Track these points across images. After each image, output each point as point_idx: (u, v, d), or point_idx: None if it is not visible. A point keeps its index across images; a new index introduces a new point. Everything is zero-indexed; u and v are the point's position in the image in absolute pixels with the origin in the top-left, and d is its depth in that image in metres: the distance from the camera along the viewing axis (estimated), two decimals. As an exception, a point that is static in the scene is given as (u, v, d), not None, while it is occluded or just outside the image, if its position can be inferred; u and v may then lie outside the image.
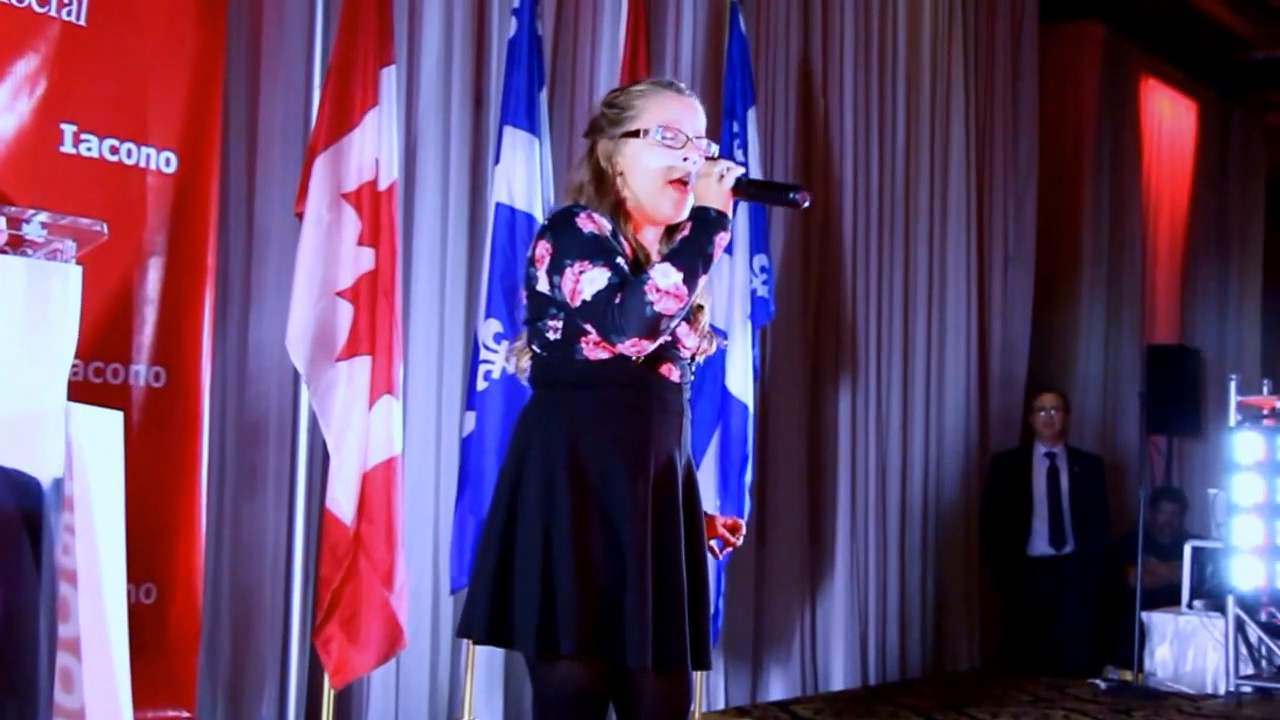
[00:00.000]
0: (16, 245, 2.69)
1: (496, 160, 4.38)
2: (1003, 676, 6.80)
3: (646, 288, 2.49)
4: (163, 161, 3.63)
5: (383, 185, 3.99)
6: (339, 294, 3.94)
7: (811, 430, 6.27)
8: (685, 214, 2.65)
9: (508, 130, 4.35)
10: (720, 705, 5.69)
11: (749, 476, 5.04)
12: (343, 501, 3.92)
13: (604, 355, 2.59)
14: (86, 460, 2.71)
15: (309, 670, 4.20)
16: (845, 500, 6.40)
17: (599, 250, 2.55)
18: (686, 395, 2.74)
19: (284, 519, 4.24)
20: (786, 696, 6.01)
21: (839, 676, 6.32)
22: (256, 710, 4.19)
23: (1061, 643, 6.94)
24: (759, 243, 5.23)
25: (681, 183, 2.66)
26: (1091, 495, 7.10)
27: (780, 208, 5.33)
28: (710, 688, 5.59)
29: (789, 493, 6.07)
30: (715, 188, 2.59)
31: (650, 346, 2.55)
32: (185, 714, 3.59)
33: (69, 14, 3.45)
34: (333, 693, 4.00)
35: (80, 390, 3.17)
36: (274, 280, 4.21)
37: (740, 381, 5.02)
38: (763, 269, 5.26)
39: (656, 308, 2.48)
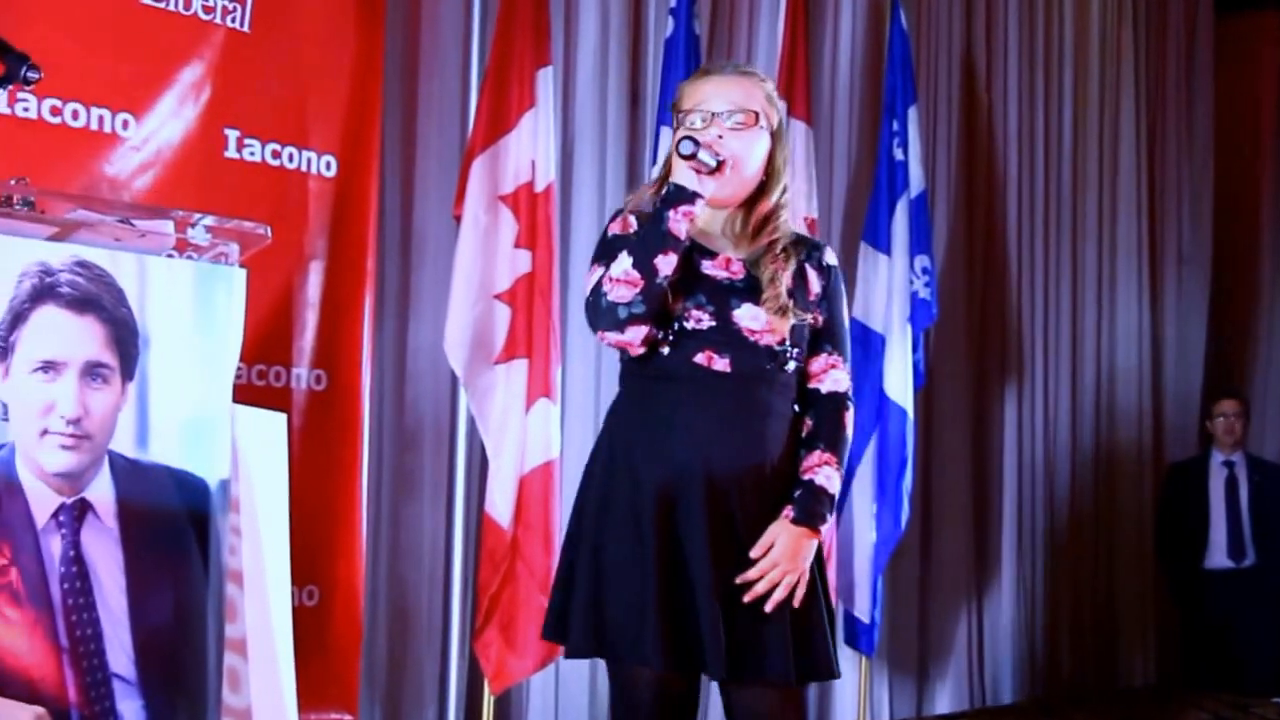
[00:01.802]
0: (183, 249, 2.71)
1: (653, 160, 4.34)
2: (1179, 693, 6.57)
3: (603, 279, 2.54)
4: (323, 165, 3.65)
5: (540, 187, 3.97)
6: (496, 296, 3.93)
7: (976, 436, 6.12)
8: (726, 192, 2.61)
9: (665, 130, 4.30)
10: (885, 718, 5.58)
11: (908, 482, 4.93)
12: (500, 506, 3.90)
13: (642, 351, 2.61)
14: (252, 462, 2.72)
15: (468, 675, 4.20)
16: (1011, 508, 6.24)
17: (606, 250, 2.61)
18: (770, 385, 2.60)
19: (441, 523, 4.24)
20: (953, 710, 5.88)
21: (1007, 690, 6.16)
22: (416, 714, 4.19)
23: (1243, 659, 6.67)
24: (921, 243, 5.11)
25: (715, 162, 2.58)
26: (1273, 506, 6.82)
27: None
28: (874, 700, 5.48)
29: (953, 500, 5.93)
30: (675, 159, 2.56)
31: (627, 337, 2.55)
32: (347, 717, 3.60)
33: (233, 21, 3.48)
34: (492, 698, 3.98)
35: (244, 393, 3.19)
36: (431, 283, 4.22)
37: (899, 386, 4.91)
38: (924, 270, 5.15)
39: (610, 297, 2.52)
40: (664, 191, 2.56)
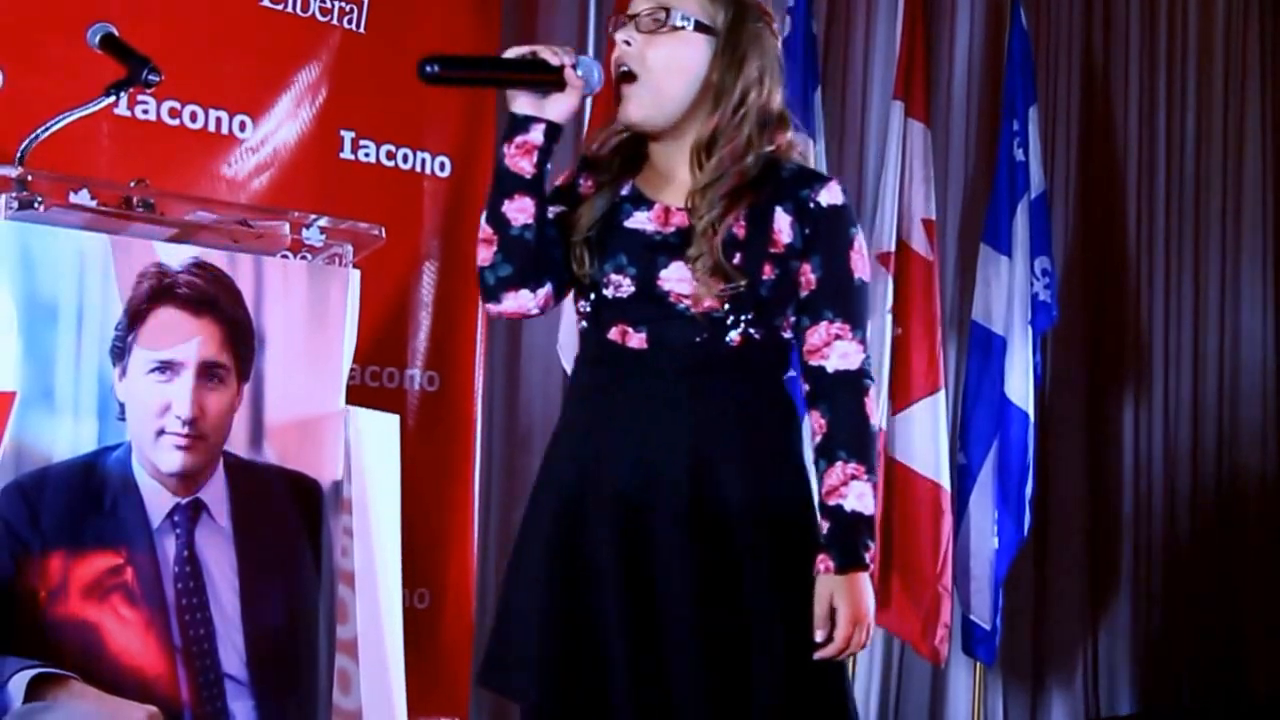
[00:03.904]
0: (297, 249, 2.73)
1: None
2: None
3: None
4: (437, 166, 3.66)
5: (655, 188, 3.94)
6: (609, 298, 3.90)
7: (1093, 441, 6.00)
8: (635, 112, 2.14)
9: (780, 130, 4.25)
10: (998, 727, 5.50)
11: (1029, 489, 4.83)
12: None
13: (536, 315, 2.23)
14: (365, 463, 2.73)
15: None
16: (1130, 515, 6.11)
17: None
18: (710, 364, 2.09)
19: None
20: (1069, 720, 5.78)
21: (1125, 700, 6.03)
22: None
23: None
24: (1041, 245, 5.01)
25: (620, 74, 2.13)
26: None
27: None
28: (989, 708, 5.39)
29: (1069, 506, 5.83)
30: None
31: (505, 306, 2.16)
32: (457, 720, 3.60)
33: (349, 23, 3.50)
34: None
35: (357, 394, 3.19)
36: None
37: (1020, 389, 4.82)
38: (1045, 272, 5.04)
39: (477, 261, 2.16)
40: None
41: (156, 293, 2.53)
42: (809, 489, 2.16)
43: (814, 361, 2.14)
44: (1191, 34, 6.49)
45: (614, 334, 2.12)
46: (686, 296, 2.08)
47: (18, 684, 2.29)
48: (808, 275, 2.14)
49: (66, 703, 2.32)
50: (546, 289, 2.16)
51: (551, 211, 2.16)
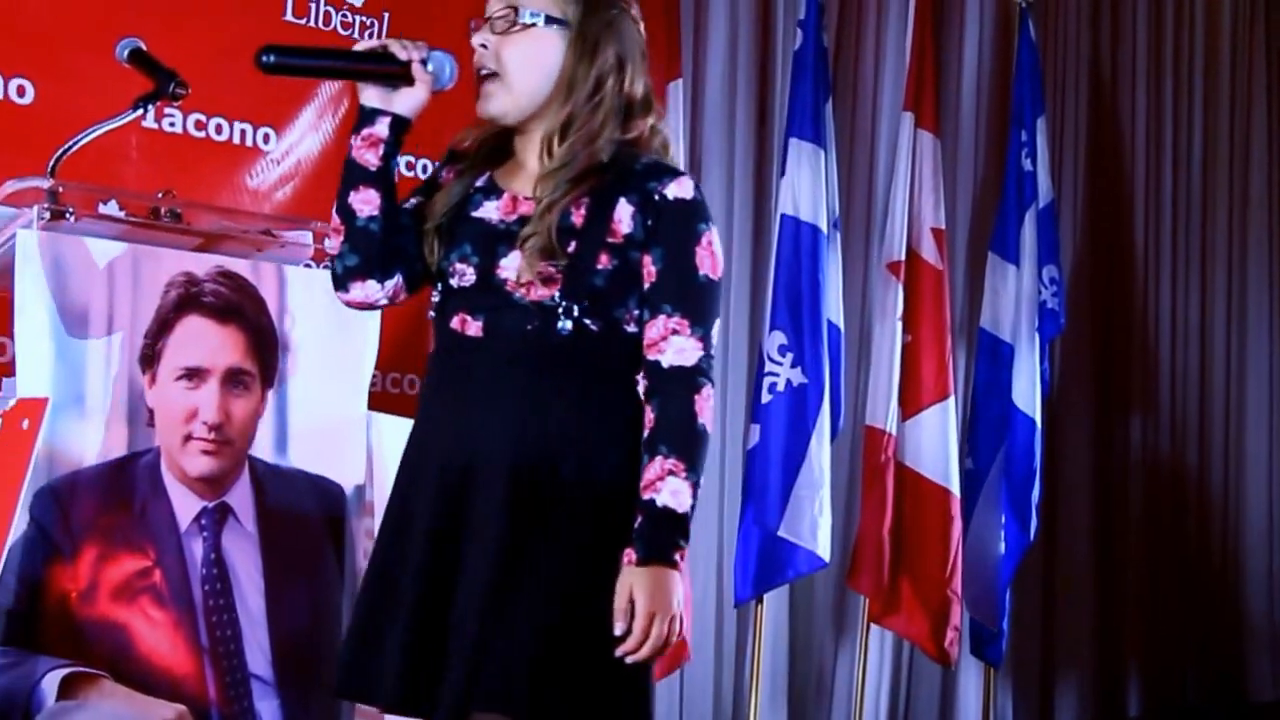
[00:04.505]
0: (321, 259, 2.78)
1: (781, 173, 4.34)
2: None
3: None
4: (456, 177, 3.71)
5: (669, 198, 3.99)
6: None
7: (1099, 448, 6.03)
8: (493, 107, 2.13)
9: (793, 142, 4.30)
10: (1007, 730, 5.53)
11: (1036, 494, 4.87)
12: (629, 513, 3.92)
13: (384, 305, 2.26)
14: (386, 467, 2.77)
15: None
16: (1136, 520, 6.13)
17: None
18: (540, 354, 2.05)
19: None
20: (1077, 723, 5.81)
21: (1132, 703, 6.06)
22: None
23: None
24: (1048, 254, 5.06)
25: (480, 74, 2.13)
26: None
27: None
28: (999, 710, 5.43)
29: (1076, 512, 5.86)
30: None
31: (352, 295, 2.17)
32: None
33: (370, 36, 3.55)
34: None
35: (379, 400, 3.25)
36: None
37: (1027, 395, 4.85)
38: (1052, 280, 5.10)
39: (326, 248, 2.19)
40: None
41: (183, 301, 2.58)
42: (635, 484, 2.06)
43: (650, 356, 2.08)
44: (1199, 46, 6.53)
45: (455, 323, 2.11)
46: (522, 285, 2.06)
47: (50, 683, 2.34)
48: (649, 268, 2.09)
49: (98, 701, 2.38)
50: (395, 280, 2.17)
51: (413, 202, 2.19)
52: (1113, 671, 6.06)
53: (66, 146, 2.48)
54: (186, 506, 2.57)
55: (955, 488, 4.53)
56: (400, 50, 2.09)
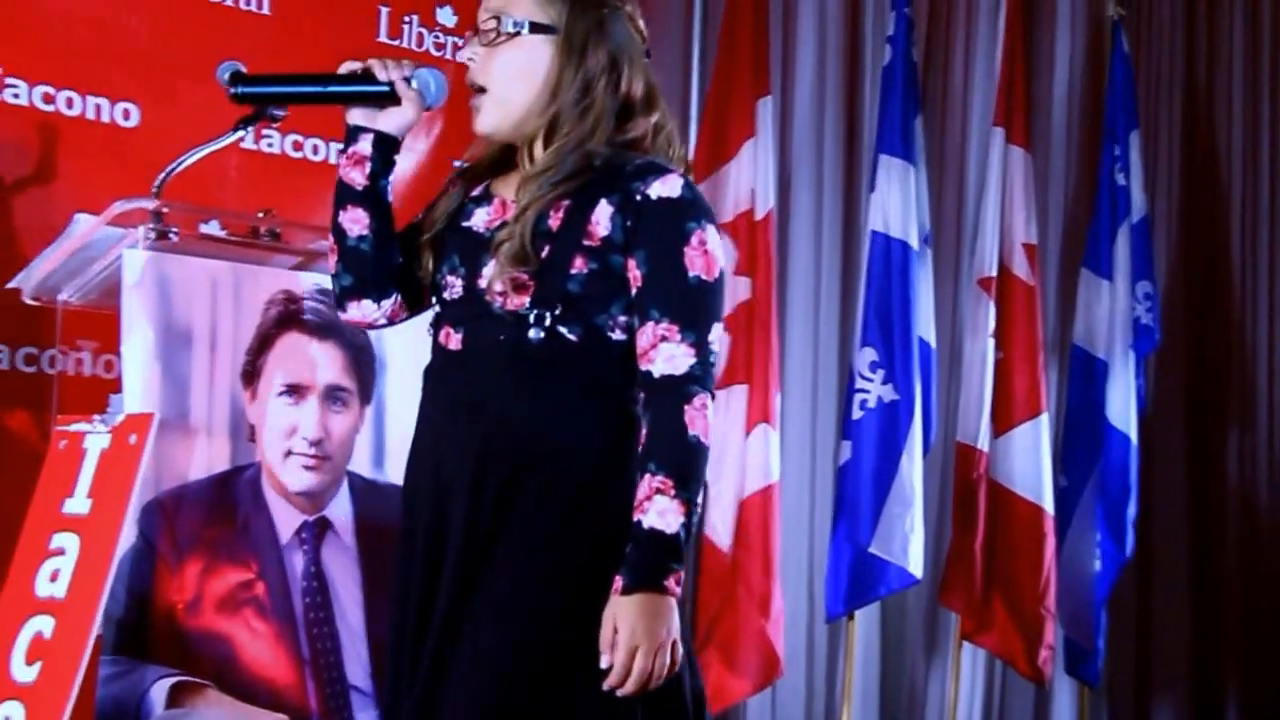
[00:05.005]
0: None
1: (871, 188, 4.34)
2: None
3: None
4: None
5: (759, 215, 4.02)
6: (716, 323, 3.98)
7: (1194, 464, 5.94)
8: (483, 123, 2.06)
9: (883, 158, 4.30)
10: (1103, 749, 5.47)
11: (1132, 511, 4.82)
12: (720, 529, 3.95)
13: (386, 326, 2.21)
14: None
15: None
16: (1235, 537, 6.03)
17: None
18: (511, 364, 1.95)
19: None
20: (1174, 744, 5.72)
21: (1231, 724, 5.97)
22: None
23: None
24: (1143, 269, 5.02)
25: (469, 90, 2.08)
26: None
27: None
28: (1094, 730, 5.38)
29: (1173, 529, 5.76)
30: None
31: (350, 315, 2.13)
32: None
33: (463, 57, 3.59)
34: (710, 717, 4.01)
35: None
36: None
37: (1122, 412, 4.82)
38: (1146, 295, 5.05)
39: (329, 268, 2.14)
40: None
41: (284, 319, 2.63)
42: (626, 502, 1.91)
43: (642, 366, 1.94)
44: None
45: (441, 336, 2.04)
46: (500, 294, 1.96)
47: (159, 691, 2.39)
48: (634, 272, 1.96)
49: (204, 710, 2.42)
50: (393, 299, 2.11)
51: (418, 219, 2.14)
52: (1211, 690, 5.96)
53: (170, 168, 2.52)
54: (287, 520, 2.61)
55: (1048, 505, 4.49)
56: (381, 70, 2.06)
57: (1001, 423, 4.48)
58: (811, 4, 4.68)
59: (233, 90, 2.03)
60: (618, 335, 1.97)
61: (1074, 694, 5.00)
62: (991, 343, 4.44)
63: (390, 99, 2.05)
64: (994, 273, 4.47)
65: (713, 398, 1.95)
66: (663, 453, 1.89)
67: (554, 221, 1.96)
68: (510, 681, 1.89)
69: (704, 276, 1.96)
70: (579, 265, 1.94)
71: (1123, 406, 4.81)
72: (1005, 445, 4.49)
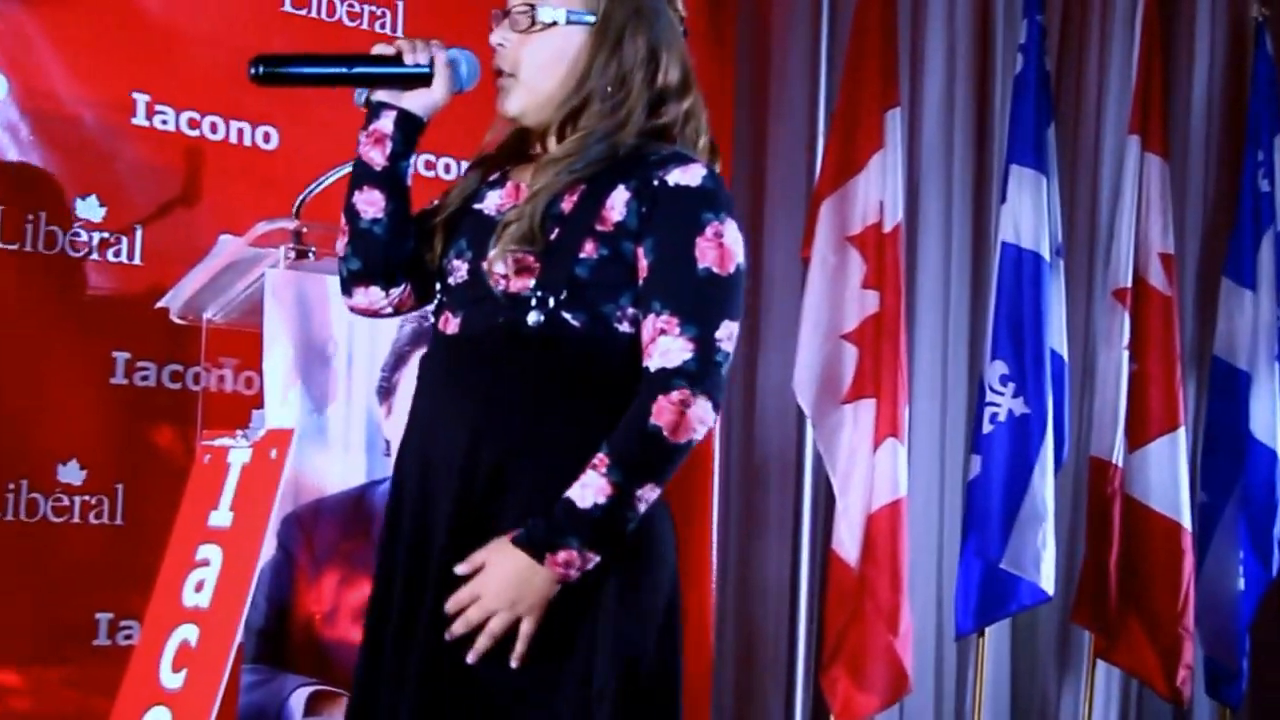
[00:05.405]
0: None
1: (1002, 199, 4.30)
2: None
3: None
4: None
5: (887, 227, 4.01)
6: (844, 337, 3.98)
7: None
8: (512, 106, 1.97)
9: (1014, 169, 4.26)
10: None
11: (1278, 528, 4.71)
12: (848, 543, 3.94)
13: (390, 315, 2.12)
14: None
15: (812, 710, 4.23)
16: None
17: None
18: (510, 349, 1.85)
19: (787, 559, 4.30)
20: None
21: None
22: (761, 746, 4.26)
23: None
24: (1287, 277, 4.91)
25: (498, 73, 1.98)
26: None
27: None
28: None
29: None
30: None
31: (355, 301, 2.04)
32: (697, 747, 3.69)
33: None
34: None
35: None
36: (780, 323, 4.30)
37: (1266, 425, 4.70)
38: (1292, 306, 4.93)
39: (337, 251, 2.03)
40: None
41: (417, 335, 2.67)
42: None
43: (644, 362, 1.84)
44: None
45: (440, 322, 1.95)
46: (503, 277, 1.85)
47: (298, 700, 2.46)
48: (642, 261, 1.86)
49: (340, 719, 2.48)
50: (402, 289, 2.03)
51: (434, 204, 2.05)
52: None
53: (309, 189, 2.59)
54: (421, 534, 2.65)
55: (1187, 521, 4.40)
56: (411, 52, 1.95)
57: (1137, 437, 4.41)
58: (940, 15, 4.65)
59: (254, 70, 1.90)
60: (624, 328, 1.86)
61: (1214, 716, 4.89)
62: (1126, 355, 4.37)
63: (421, 81, 1.95)
64: (1129, 283, 4.40)
65: (710, 399, 1.82)
66: (615, 436, 1.79)
67: (566, 204, 1.86)
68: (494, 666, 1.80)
69: (715, 269, 1.84)
70: (589, 250, 1.84)
71: (1267, 419, 4.70)
72: (1141, 460, 4.41)
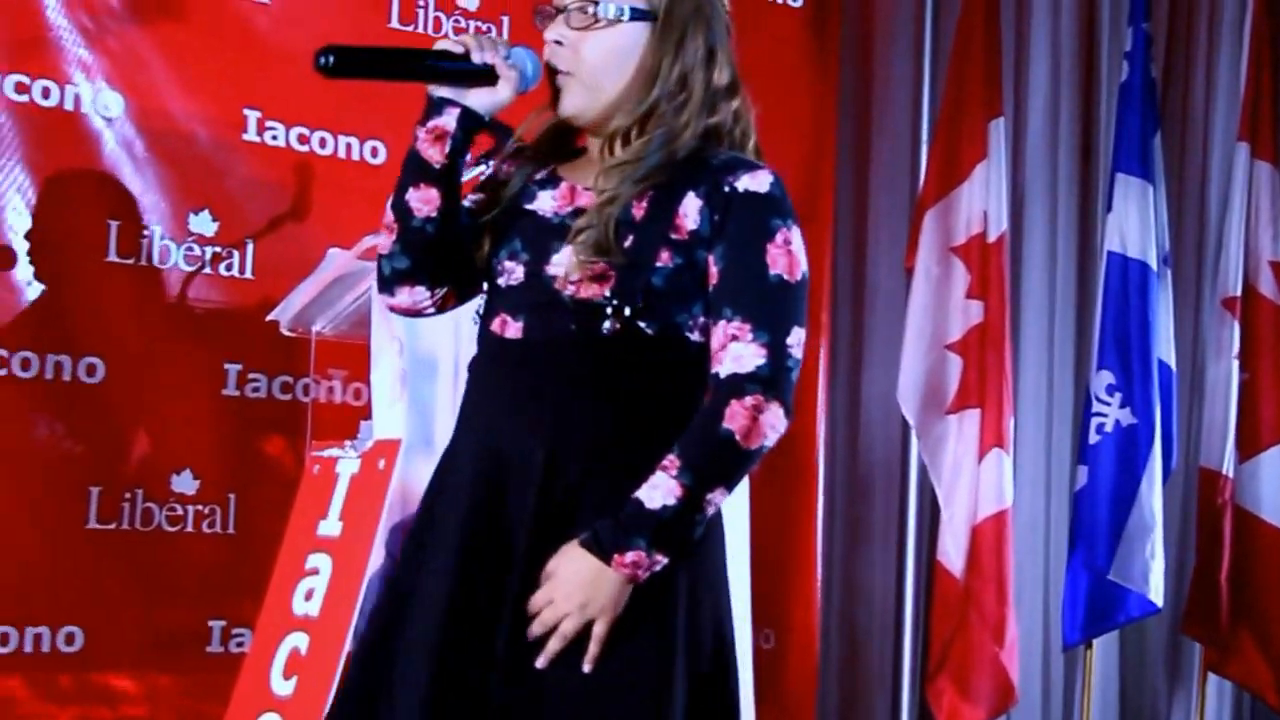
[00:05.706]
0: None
1: (1108, 208, 4.26)
2: None
3: None
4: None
5: (992, 237, 3.99)
6: (948, 347, 3.97)
7: None
8: (570, 105, 1.91)
9: (1120, 177, 4.21)
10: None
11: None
12: (953, 554, 3.92)
13: (433, 314, 2.03)
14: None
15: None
16: None
17: None
18: (581, 356, 1.81)
19: (892, 570, 4.28)
20: None
21: None
22: (866, 758, 4.24)
23: None
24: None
25: (551, 69, 1.92)
26: None
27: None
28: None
29: None
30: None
31: (398, 300, 1.96)
32: (803, 757, 3.69)
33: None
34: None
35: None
36: (884, 334, 4.29)
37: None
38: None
39: (378, 247, 1.95)
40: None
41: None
42: None
43: (714, 369, 1.82)
44: None
45: (495, 325, 1.88)
46: (571, 283, 1.81)
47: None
48: (713, 268, 1.84)
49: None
50: (445, 288, 1.96)
51: (471, 200, 1.97)
52: None
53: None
54: (525, 544, 2.68)
55: (1301, 532, 4.32)
56: (478, 51, 1.87)
57: (1248, 447, 4.33)
58: (1045, 24, 4.62)
59: (322, 60, 1.83)
60: (695, 336, 1.85)
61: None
62: (1236, 364, 4.30)
63: (488, 79, 1.88)
64: (1238, 292, 4.33)
65: (782, 404, 1.80)
66: (686, 439, 1.78)
67: (637, 211, 1.83)
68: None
69: (786, 276, 1.83)
70: (665, 259, 1.82)
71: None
72: (1252, 470, 4.34)
